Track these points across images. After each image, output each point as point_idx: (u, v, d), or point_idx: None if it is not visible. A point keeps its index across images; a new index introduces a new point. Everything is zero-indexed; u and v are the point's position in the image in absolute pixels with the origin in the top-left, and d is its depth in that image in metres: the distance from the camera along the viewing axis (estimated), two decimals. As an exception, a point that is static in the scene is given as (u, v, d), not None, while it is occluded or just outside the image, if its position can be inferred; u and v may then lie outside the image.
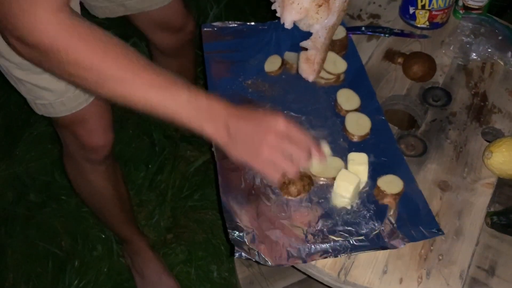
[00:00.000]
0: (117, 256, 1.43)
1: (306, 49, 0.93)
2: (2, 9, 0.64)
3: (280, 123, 0.77)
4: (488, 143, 0.89)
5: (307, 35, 0.94)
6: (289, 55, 1.02)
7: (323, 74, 0.98)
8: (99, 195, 1.17)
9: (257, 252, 0.74)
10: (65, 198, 1.54)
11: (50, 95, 0.90)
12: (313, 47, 0.90)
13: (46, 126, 1.73)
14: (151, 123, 1.71)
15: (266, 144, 0.76)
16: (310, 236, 0.76)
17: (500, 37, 1.05)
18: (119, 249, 1.43)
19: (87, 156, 1.05)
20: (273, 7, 0.95)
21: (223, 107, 0.76)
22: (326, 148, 0.85)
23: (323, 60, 0.93)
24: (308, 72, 0.93)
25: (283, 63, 1.01)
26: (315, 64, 0.91)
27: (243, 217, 0.79)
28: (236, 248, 0.75)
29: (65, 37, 0.66)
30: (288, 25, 0.92)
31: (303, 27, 0.93)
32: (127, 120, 1.72)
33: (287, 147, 0.77)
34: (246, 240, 0.76)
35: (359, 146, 0.88)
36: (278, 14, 0.93)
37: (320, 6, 0.89)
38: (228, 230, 0.77)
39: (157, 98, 0.73)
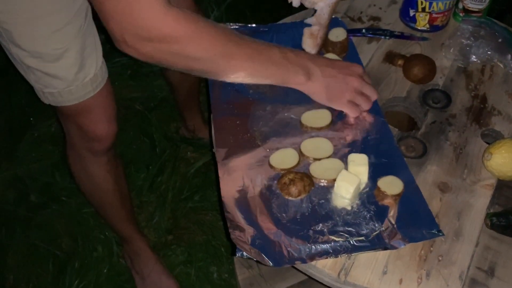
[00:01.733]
0: (117, 257, 1.43)
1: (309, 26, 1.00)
2: (120, 16, 0.70)
3: (358, 69, 0.93)
4: (487, 145, 0.89)
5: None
6: (290, 57, 1.02)
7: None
8: (99, 188, 1.17)
9: (258, 251, 0.74)
10: (65, 199, 1.55)
11: (59, 84, 0.92)
12: (317, 23, 0.98)
13: (47, 127, 1.74)
14: (152, 125, 1.71)
15: (348, 88, 0.91)
16: (310, 237, 0.77)
17: (499, 40, 1.05)
18: (119, 250, 1.43)
19: (90, 146, 1.06)
20: None
21: (308, 58, 0.91)
22: (329, 145, 0.88)
23: (325, 35, 1.01)
24: (312, 46, 1.00)
25: (284, 64, 1.02)
26: (318, 38, 0.99)
27: (244, 217, 0.79)
28: (237, 247, 0.75)
29: (182, 25, 0.73)
30: (295, 3, 0.99)
31: (308, 4, 0.98)
32: (128, 121, 1.72)
33: (364, 88, 0.92)
34: (247, 239, 0.76)
35: (360, 147, 0.88)
36: None
37: None
38: (229, 230, 0.77)
39: (259, 63, 0.84)
